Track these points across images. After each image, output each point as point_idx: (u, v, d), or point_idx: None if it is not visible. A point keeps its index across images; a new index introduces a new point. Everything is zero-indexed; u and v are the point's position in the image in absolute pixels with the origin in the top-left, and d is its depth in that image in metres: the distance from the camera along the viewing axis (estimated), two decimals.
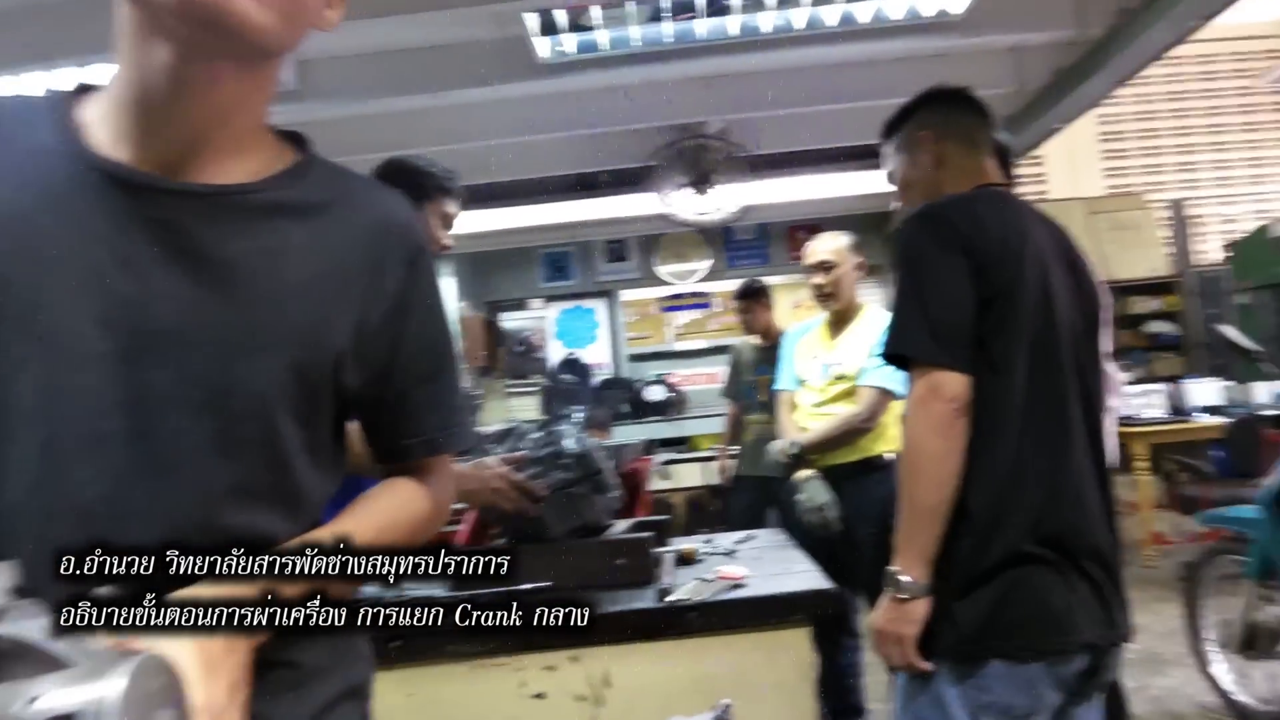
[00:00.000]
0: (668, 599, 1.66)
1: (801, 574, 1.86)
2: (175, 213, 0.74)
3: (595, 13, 2.74)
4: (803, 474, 2.87)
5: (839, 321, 3.04)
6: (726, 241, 6.71)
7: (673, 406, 6.38)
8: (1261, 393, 3.97)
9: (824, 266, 2.97)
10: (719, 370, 6.24)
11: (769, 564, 1.96)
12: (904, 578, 1.37)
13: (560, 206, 5.33)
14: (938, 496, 1.35)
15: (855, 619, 2.92)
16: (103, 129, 0.75)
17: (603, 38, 2.88)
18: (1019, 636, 1.33)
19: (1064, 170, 7.64)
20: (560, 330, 6.95)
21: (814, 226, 6.45)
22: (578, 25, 2.78)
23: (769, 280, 5.00)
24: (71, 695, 0.42)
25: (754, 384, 4.16)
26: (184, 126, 0.74)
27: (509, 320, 6.92)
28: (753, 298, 4.18)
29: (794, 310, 6.70)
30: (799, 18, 2.88)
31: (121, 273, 0.71)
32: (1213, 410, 4.85)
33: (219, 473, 0.73)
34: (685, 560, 2.04)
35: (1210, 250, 7.46)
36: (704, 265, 6.69)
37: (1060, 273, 1.50)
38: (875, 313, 3.03)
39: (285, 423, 0.77)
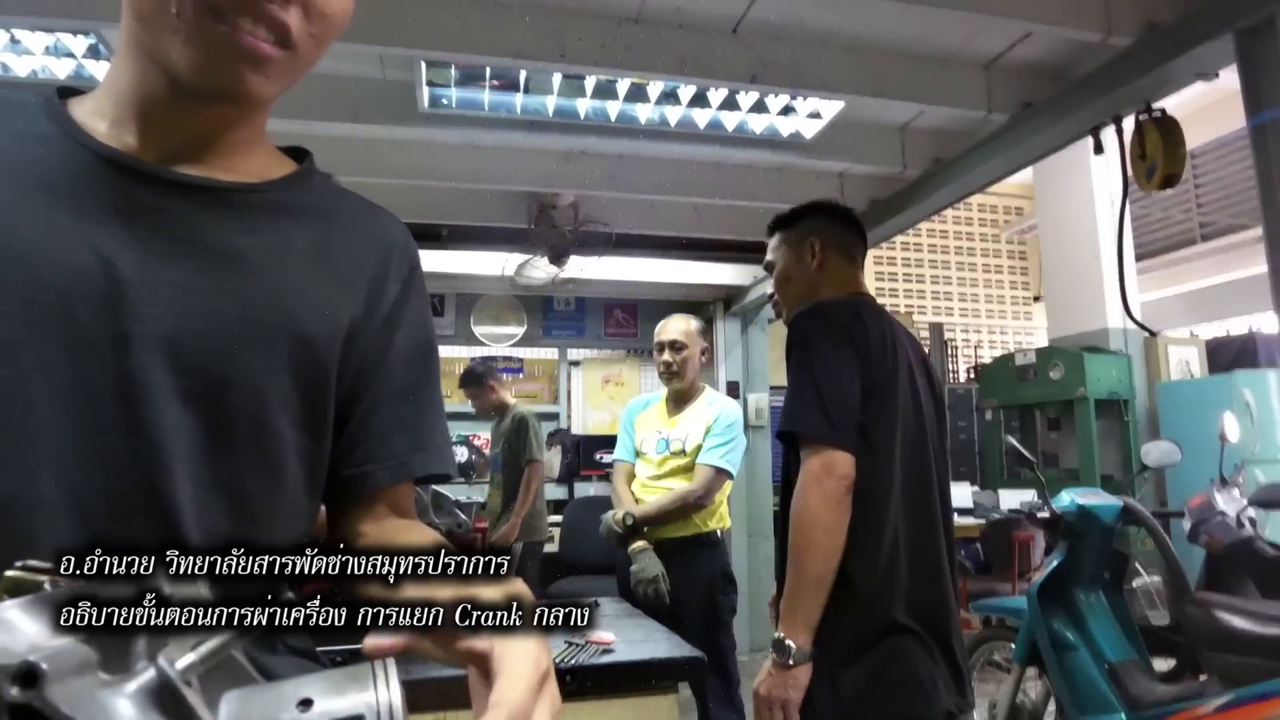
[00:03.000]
0: None
1: (664, 640, 1.91)
2: (178, 203, 0.72)
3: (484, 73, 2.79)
4: (637, 545, 2.93)
5: (679, 400, 3.18)
6: (545, 311, 6.79)
7: (474, 469, 6.25)
8: (1009, 498, 4.54)
9: (674, 346, 3.11)
10: None
11: (627, 630, 2.00)
12: (791, 644, 1.46)
13: None
14: (827, 568, 1.46)
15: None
16: (100, 122, 0.72)
17: (486, 98, 2.93)
18: (892, 704, 1.46)
19: None
20: None
21: (630, 307, 6.76)
22: (465, 81, 2.82)
23: (582, 353, 5.08)
24: (348, 700, 0.41)
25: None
26: (185, 129, 0.73)
27: None
28: None
29: (603, 386, 6.87)
30: (673, 115, 3.08)
31: (120, 259, 0.68)
32: (963, 512, 5.46)
33: (211, 470, 0.70)
34: None
35: (958, 371, 8.54)
36: (519, 330, 6.72)
37: (919, 374, 1.71)
38: (713, 395, 3.21)
39: (283, 424, 0.74)
